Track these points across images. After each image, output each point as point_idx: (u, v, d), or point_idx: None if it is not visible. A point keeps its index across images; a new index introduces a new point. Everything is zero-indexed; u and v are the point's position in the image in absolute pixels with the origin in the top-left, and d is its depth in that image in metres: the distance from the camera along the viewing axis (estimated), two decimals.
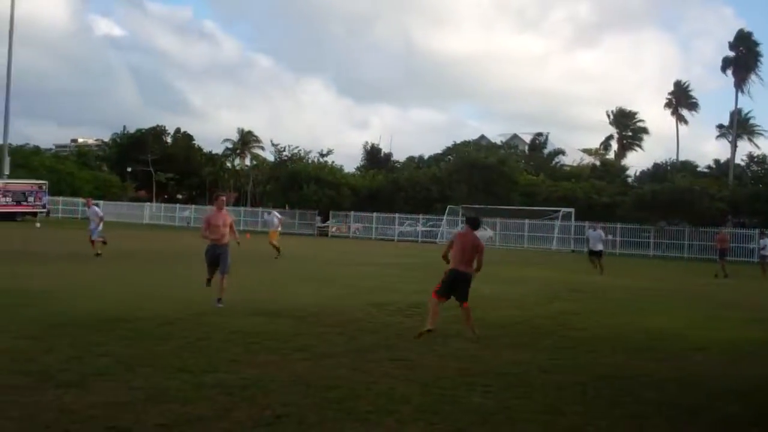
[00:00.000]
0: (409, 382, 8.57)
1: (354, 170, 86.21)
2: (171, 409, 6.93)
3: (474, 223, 12.62)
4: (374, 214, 64.41)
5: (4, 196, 60.31)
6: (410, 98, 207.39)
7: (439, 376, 8.95)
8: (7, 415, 6.44)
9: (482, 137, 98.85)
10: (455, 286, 11.96)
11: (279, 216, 32.77)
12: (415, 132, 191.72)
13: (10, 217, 59.01)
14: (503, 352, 11.00)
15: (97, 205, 28.75)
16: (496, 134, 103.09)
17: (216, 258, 14.49)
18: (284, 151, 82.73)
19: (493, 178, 65.64)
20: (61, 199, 74.64)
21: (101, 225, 26.33)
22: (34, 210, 61.31)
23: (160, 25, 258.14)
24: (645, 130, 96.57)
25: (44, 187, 63.77)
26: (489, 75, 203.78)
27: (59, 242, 34.17)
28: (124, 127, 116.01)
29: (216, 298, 14.13)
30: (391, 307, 15.33)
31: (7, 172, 64.87)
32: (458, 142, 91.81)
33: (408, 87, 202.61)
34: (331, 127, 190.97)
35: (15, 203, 60.65)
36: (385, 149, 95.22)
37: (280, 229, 32.19)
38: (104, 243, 26.40)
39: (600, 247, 30.66)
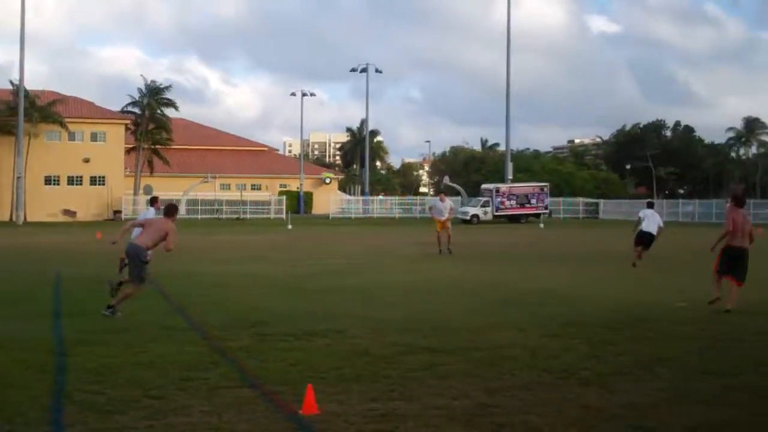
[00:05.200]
0: None
1: None
2: (697, 412, 6.58)
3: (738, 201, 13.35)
4: None
5: (509, 199, 64.08)
6: None
7: None
8: (535, 410, 6.62)
9: None
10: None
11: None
12: None
13: (515, 219, 62.70)
14: None
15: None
16: None
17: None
18: None
19: None
20: (561, 200, 77.03)
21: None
22: (537, 212, 64.04)
23: (656, 14, 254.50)
24: None
25: (545, 189, 66.44)
26: None
27: (563, 242, 35.27)
28: (624, 126, 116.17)
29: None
30: None
31: (510, 176, 68.99)
32: None
33: None
34: None
35: (519, 206, 64.09)
36: None
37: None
38: None
39: None
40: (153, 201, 17.24)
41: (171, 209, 12.42)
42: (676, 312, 12.55)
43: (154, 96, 69.28)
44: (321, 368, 8.13)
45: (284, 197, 72.99)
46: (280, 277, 17.69)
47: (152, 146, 69.66)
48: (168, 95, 71.01)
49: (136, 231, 13.16)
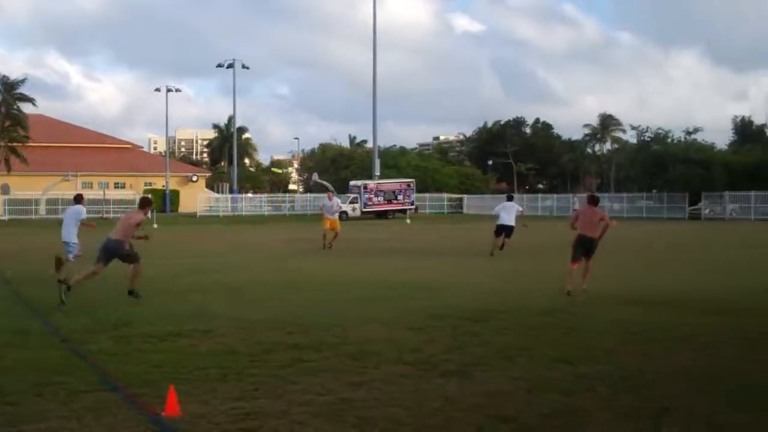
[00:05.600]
0: None
1: (725, 147, 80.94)
2: (553, 399, 6.86)
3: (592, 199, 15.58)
4: (752, 193, 59.56)
5: (377, 195, 64.76)
6: None
7: None
8: (398, 403, 6.75)
9: None
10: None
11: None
12: None
13: (383, 215, 63.44)
14: None
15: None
16: None
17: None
18: (646, 132, 79.98)
19: None
20: (427, 195, 78.37)
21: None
22: (404, 207, 65.03)
23: (517, 14, 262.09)
24: None
25: (412, 185, 67.52)
26: None
27: (429, 237, 35.92)
28: (486, 123, 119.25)
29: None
30: None
31: (377, 173, 69.64)
32: None
33: None
34: (705, 102, 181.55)
35: (387, 202, 64.86)
36: (758, 121, 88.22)
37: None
38: None
39: None
40: (78, 199, 17.76)
41: (145, 202, 14.29)
42: (536, 302, 13.00)
43: (9, 91, 66.34)
44: (185, 369, 8.02)
45: (149, 196, 71.19)
46: (144, 276, 17.27)
47: (8, 144, 66.66)
48: (24, 90, 68.24)
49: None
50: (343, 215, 60.19)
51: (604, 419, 6.29)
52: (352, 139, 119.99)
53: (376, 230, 42.37)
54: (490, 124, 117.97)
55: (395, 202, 65.32)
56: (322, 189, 72.22)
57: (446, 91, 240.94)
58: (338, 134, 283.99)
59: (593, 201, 15.55)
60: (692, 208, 63.55)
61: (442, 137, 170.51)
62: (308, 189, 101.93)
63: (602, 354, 8.80)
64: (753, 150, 70.81)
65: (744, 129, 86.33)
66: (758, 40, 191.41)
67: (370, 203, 64.05)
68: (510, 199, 25.56)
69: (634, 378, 7.63)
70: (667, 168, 63.68)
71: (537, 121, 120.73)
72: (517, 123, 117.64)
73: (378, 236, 33.40)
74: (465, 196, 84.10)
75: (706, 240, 32.30)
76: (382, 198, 64.96)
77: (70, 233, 16.78)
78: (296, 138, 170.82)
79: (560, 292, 13.82)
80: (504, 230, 23.41)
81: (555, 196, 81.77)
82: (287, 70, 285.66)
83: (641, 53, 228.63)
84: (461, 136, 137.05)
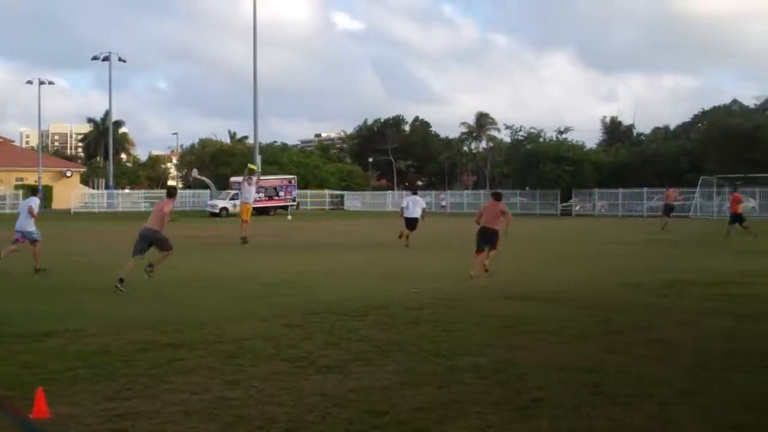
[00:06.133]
0: (669, 364, 8.14)
1: (595, 146, 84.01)
2: (427, 393, 6.99)
3: (496, 196, 17.74)
4: (620, 191, 62.12)
5: (258, 192, 64.19)
6: (661, 64, 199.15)
7: (701, 357, 8.44)
8: (274, 400, 6.75)
9: (734, 101, 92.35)
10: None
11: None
12: (663, 101, 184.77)
13: (264, 211, 62.91)
14: None
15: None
16: (750, 97, 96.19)
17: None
18: (519, 131, 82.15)
19: (750, 145, 61.07)
20: (308, 192, 78.28)
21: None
22: (286, 204, 64.73)
23: (397, 14, 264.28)
24: None
25: (293, 181, 67.28)
26: (747, 32, 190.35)
27: (309, 233, 35.87)
28: (366, 120, 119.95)
29: None
30: (644, 287, 14.66)
31: (258, 169, 69.04)
32: (707, 108, 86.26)
33: (659, 52, 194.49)
34: (576, 102, 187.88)
35: (268, 198, 64.39)
36: (626, 122, 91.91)
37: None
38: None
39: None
40: (34, 191, 21.19)
41: (172, 191, 16.67)
42: (412, 297, 13.18)
43: None
44: (55, 370, 7.77)
45: (21, 191, 68.45)
46: (13, 274, 16.64)
47: None
48: None
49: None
50: (224, 212, 59.78)
51: (476, 411, 6.44)
52: (232, 135, 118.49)
53: (257, 226, 41.95)
54: (370, 122, 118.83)
55: (277, 198, 64.91)
56: (203, 185, 71.20)
57: (328, 89, 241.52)
58: (219, 130, 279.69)
59: (497, 197, 17.61)
60: (564, 204, 65.82)
61: (324, 134, 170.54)
62: (188, 185, 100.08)
63: (476, 348, 9.00)
64: (620, 149, 73.72)
65: (612, 129, 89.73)
66: (627, 43, 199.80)
67: None
68: (415, 192, 26.93)
69: (506, 370, 7.83)
70: (539, 166, 65.64)
71: (416, 119, 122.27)
72: (397, 121, 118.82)
73: (259, 232, 33.05)
74: (346, 193, 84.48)
75: (575, 235, 33.38)
76: (263, 194, 64.43)
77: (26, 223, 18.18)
78: (175, 133, 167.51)
79: (437, 288, 14.09)
80: (410, 223, 24.54)
81: (433, 192, 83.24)
82: (167, 64, 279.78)
83: (516, 54, 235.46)
84: (342, 134, 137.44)
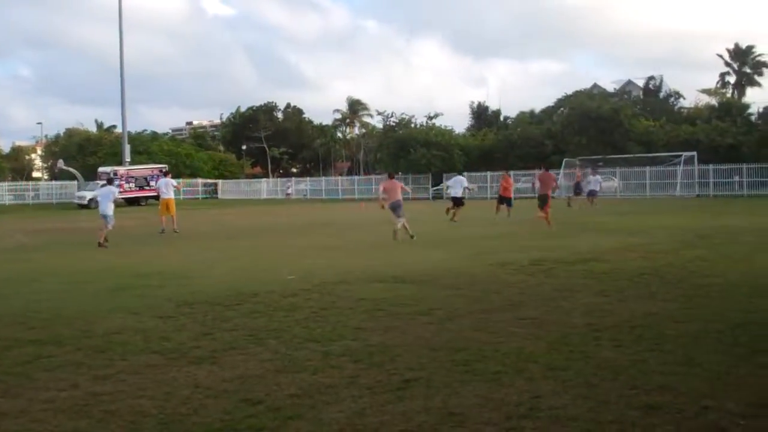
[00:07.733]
0: (536, 340, 8.42)
1: (464, 131, 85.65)
2: (302, 379, 7.02)
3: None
4: (488, 173, 63.65)
5: (128, 182, 62.61)
6: (529, 50, 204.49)
7: (567, 333, 8.77)
8: (145, 394, 6.64)
9: (594, 86, 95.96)
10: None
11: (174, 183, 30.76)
12: (529, 86, 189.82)
13: (135, 201, 61.40)
14: (632, 304, 10.69)
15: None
16: (609, 81, 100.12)
17: None
18: (391, 117, 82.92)
19: (609, 127, 63.73)
20: (181, 181, 76.72)
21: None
22: (157, 194, 63.16)
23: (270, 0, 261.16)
24: (765, 64, 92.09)
25: (164, 170, 65.79)
26: (607, 20, 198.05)
27: (182, 222, 35.21)
28: (239, 107, 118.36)
29: None
30: (514, 266, 15.10)
31: (128, 159, 67.25)
32: (570, 93, 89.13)
33: (527, 38, 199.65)
34: (447, 88, 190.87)
35: (139, 188, 62.88)
36: (493, 107, 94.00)
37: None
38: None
39: (593, 187, 41.19)
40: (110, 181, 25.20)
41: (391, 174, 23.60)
42: (286, 284, 13.17)
43: None
44: None
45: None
46: None
47: None
48: None
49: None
50: (92, 203, 57.88)
51: (350, 395, 6.51)
52: (99, 124, 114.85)
53: (128, 217, 40.91)
54: (243, 109, 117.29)
55: (147, 188, 63.45)
56: (70, 176, 68.81)
57: (199, 76, 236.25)
58: (85, 118, 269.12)
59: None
60: (435, 188, 66.94)
61: (195, 122, 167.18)
62: (54, 177, 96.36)
63: (349, 331, 9.08)
64: (488, 134, 75.38)
65: (480, 114, 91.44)
66: (495, 29, 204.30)
67: (122, 190, 61.68)
68: (460, 173, 36.50)
69: (379, 353, 7.94)
70: (410, 151, 66.52)
71: (288, 105, 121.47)
72: (269, 108, 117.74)
73: (130, 224, 32.27)
74: (220, 182, 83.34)
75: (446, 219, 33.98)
76: (133, 184, 62.96)
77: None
78: (39, 123, 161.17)
79: (310, 273, 14.14)
80: (457, 201, 30.17)
81: (308, 179, 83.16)
82: (28, 50, 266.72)
83: (387, 41, 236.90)
84: (216, 121, 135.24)
